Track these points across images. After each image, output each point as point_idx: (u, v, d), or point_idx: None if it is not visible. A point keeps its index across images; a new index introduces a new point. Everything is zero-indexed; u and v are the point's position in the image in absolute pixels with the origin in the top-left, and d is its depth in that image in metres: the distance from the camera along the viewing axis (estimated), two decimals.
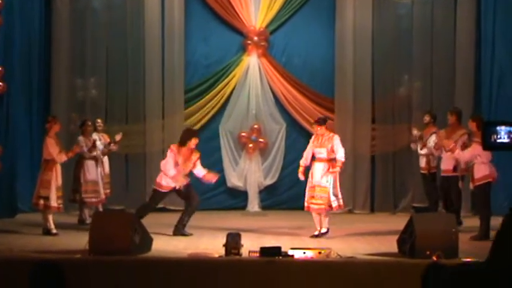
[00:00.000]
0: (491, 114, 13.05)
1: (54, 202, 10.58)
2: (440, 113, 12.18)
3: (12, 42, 12.65)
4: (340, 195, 10.48)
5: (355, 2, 13.86)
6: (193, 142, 10.77)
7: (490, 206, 10.25)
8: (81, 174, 11.61)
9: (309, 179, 10.51)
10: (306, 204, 10.49)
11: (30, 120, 13.42)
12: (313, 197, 10.36)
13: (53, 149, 10.61)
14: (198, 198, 10.90)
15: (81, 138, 11.67)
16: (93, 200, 11.63)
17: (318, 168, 10.44)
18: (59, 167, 10.75)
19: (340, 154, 10.44)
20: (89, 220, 10.97)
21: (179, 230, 10.59)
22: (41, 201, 10.60)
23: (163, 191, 10.82)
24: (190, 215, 10.75)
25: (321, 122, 10.71)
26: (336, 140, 10.52)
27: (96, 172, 11.62)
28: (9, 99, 12.52)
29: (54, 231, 10.55)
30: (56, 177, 10.66)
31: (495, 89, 13.25)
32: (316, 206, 10.34)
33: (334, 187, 10.41)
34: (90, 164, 11.64)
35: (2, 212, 12.28)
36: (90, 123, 11.91)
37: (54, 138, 10.76)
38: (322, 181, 10.35)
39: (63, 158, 10.74)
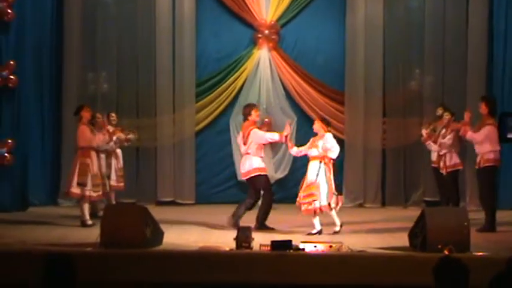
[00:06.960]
0: (503, 108, 12.98)
1: (90, 191, 10.48)
2: (451, 107, 12.13)
3: (24, 37, 12.69)
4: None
5: None
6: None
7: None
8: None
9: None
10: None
11: (41, 114, 13.46)
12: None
13: (89, 134, 10.57)
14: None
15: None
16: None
17: None
18: (94, 154, 10.67)
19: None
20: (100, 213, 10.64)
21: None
22: (76, 190, 10.49)
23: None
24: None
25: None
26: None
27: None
28: (20, 93, 12.57)
29: (90, 222, 10.41)
30: (92, 164, 10.57)
31: (507, 83, 13.18)
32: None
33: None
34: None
35: (14, 205, 12.34)
36: (100, 116, 11.71)
37: (88, 125, 10.73)
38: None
39: (101, 139, 10.73)
